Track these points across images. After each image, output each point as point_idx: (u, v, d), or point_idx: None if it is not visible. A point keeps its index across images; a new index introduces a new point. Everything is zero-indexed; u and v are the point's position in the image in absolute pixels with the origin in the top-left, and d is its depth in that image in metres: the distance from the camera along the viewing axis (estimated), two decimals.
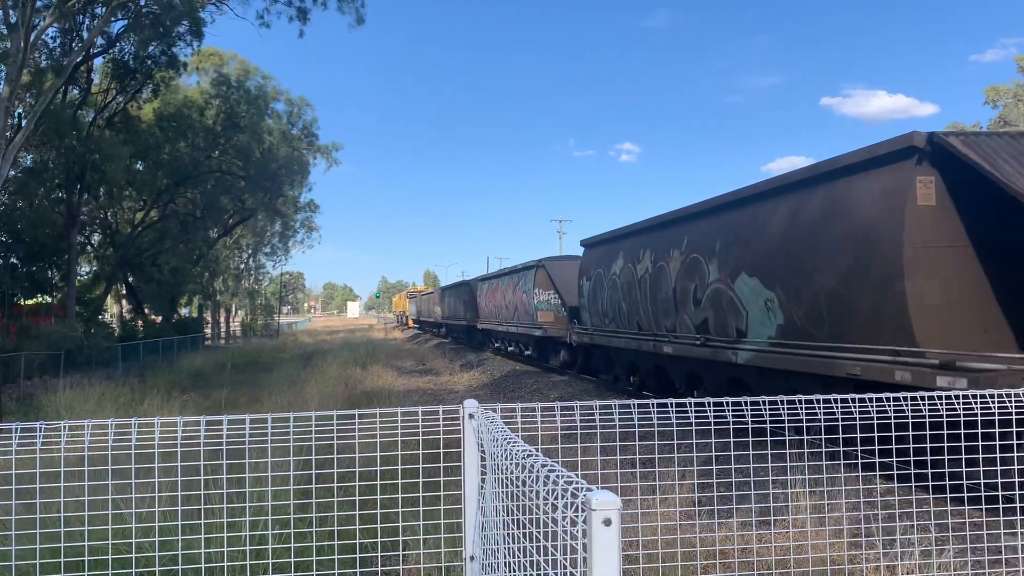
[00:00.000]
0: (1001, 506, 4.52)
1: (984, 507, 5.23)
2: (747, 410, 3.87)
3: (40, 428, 3.33)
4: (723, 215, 12.06)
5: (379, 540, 3.86)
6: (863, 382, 8.39)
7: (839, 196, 9.09)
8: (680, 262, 13.15)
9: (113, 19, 29.60)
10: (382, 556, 3.96)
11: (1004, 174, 7.26)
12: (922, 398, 3.99)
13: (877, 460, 4.39)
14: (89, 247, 40.87)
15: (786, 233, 10.13)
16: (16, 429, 3.28)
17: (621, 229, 17.12)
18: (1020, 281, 7.65)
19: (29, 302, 36.43)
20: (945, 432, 4.00)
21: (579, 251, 20.53)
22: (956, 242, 7.86)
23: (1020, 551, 4.37)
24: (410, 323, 79.58)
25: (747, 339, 10.95)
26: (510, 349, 29.95)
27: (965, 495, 4.65)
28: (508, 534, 2.56)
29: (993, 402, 4.00)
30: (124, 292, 46.10)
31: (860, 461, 4.61)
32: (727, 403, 3.87)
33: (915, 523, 5.15)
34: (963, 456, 4.17)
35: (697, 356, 12.63)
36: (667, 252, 13.77)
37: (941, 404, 3.98)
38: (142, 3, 29.31)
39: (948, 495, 6.81)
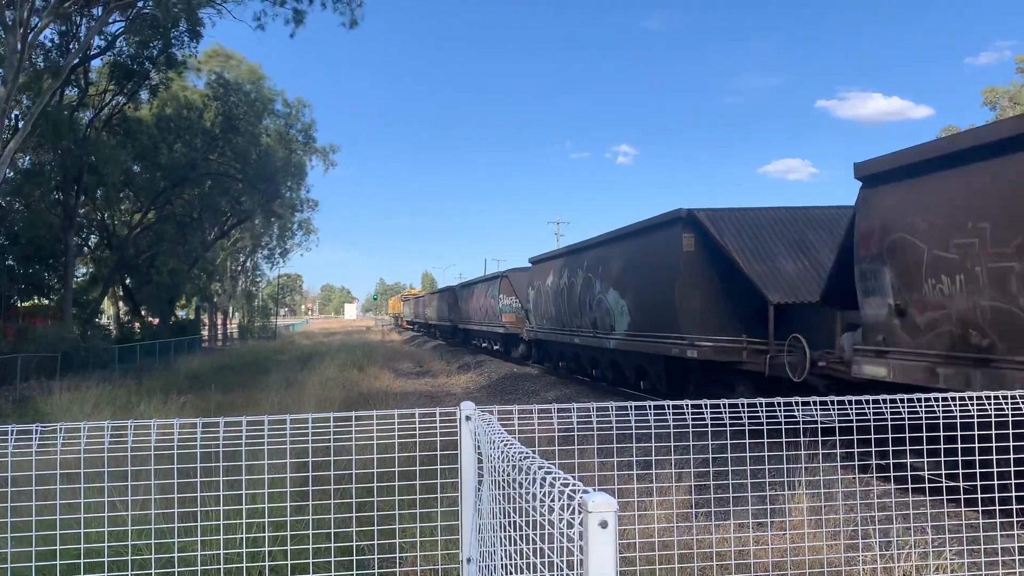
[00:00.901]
0: (998, 508, 4.53)
1: (981, 509, 5.24)
2: (744, 412, 3.87)
3: (36, 430, 3.33)
4: (602, 248, 17.61)
5: (376, 542, 3.86)
6: (665, 356, 13.99)
7: (651, 242, 14.57)
8: (582, 279, 18.57)
9: (111, 21, 29.58)
10: (379, 558, 3.96)
11: (721, 235, 12.57)
12: (918, 400, 4.00)
13: (874, 462, 4.40)
14: (86, 249, 40.80)
15: (629, 262, 15.70)
16: (12, 431, 3.28)
17: (553, 252, 23.19)
18: (741, 295, 12.41)
19: (26, 304, 36.35)
20: (942, 434, 4.01)
21: None
22: (707, 272, 13.02)
23: (1017, 553, 4.37)
24: (404, 324, 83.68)
25: (615, 332, 16.41)
26: (483, 345, 36.21)
27: (962, 497, 4.66)
28: (505, 536, 2.56)
29: (989, 404, 4.01)
30: (121, 294, 46.01)
31: (857, 463, 4.62)
32: (724, 405, 3.87)
33: (912, 525, 5.15)
34: (960, 458, 4.17)
35: (592, 345, 18.23)
36: (576, 271, 19.13)
37: (938, 406, 3.98)
38: (139, 3, 29.23)
39: (945, 497, 6.83)
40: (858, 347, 9.22)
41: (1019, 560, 4.37)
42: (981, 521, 5.00)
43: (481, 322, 34.05)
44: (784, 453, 4.37)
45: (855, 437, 4.07)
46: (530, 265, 25.15)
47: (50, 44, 30.65)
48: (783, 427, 3.91)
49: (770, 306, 11.54)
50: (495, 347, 33.01)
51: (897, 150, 8.83)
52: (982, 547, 4.66)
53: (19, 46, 23.64)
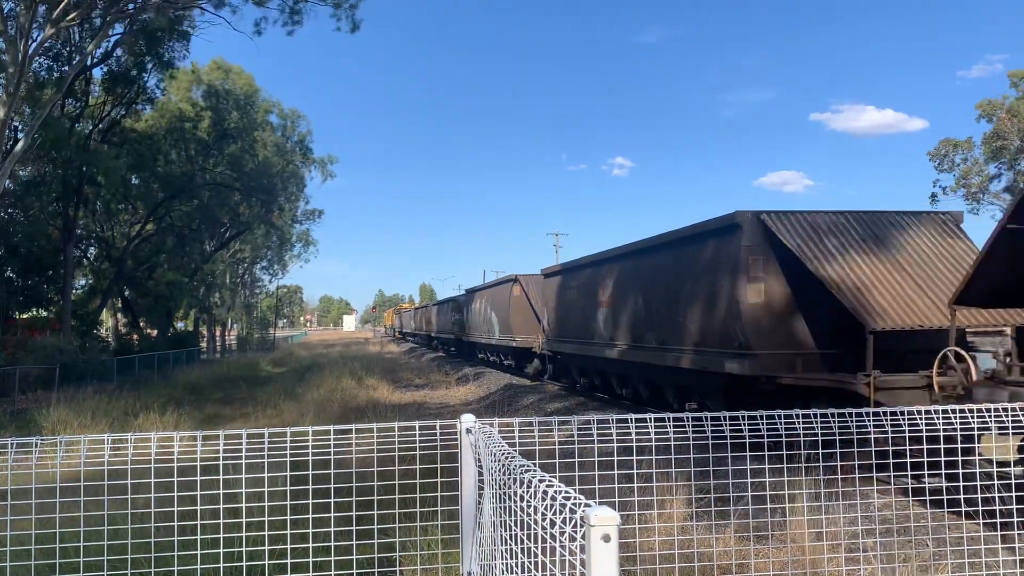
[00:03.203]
0: (999, 520, 4.52)
1: (981, 522, 5.24)
2: (744, 424, 3.87)
3: (36, 443, 3.32)
4: (489, 288, 32.01)
5: (376, 556, 3.85)
6: (510, 347, 28.04)
7: (501, 289, 29.55)
8: (483, 305, 32.16)
9: (111, 33, 29.61)
10: (379, 572, 3.94)
11: (528, 288, 26.70)
12: (919, 412, 4.00)
13: (875, 475, 4.40)
14: (85, 260, 40.75)
15: (495, 299, 29.86)
16: (12, 444, 3.27)
17: (478, 286, 37.38)
18: (538, 317, 25.68)
19: (24, 316, 36.28)
20: (943, 446, 4.01)
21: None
22: (524, 306, 26.62)
23: (1018, 566, 4.36)
24: (397, 334, 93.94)
25: (494, 336, 29.69)
26: (444, 347, 50.49)
27: (963, 509, 4.65)
28: (506, 550, 2.55)
29: (990, 416, 4.01)
30: (120, 305, 45.92)
31: (858, 475, 4.61)
32: (724, 417, 3.87)
33: (912, 537, 5.14)
34: (960, 470, 4.17)
35: (489, 343, 31.66)
36: (482, 299, 33.01)
37: (938, 418, 3.98)
38: (131, 8, 29.06)
39: (946, 510, 6.81)
40: (548, 338, 22.28)
41: (1020, 573, 4.36)
42: (983, 534, 4.99)
43: (444, 332, 47.56)
44: (784, 465, 4.37)
45: (855, 450, 4.07)
46: (465, 293, 40.58)
47: (51, 55, 30.71)
48: (783, 439, 3.91)
49: (542, 322, 23.67)
50: (451, 349, 47.39)
51: (553, 264, 23.01)
52: (983, 560, 4.65)
53: (20, 57, 23.70)
